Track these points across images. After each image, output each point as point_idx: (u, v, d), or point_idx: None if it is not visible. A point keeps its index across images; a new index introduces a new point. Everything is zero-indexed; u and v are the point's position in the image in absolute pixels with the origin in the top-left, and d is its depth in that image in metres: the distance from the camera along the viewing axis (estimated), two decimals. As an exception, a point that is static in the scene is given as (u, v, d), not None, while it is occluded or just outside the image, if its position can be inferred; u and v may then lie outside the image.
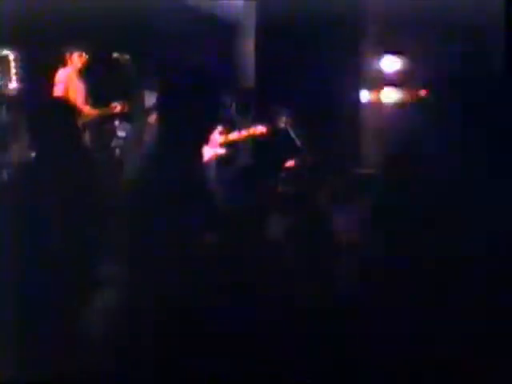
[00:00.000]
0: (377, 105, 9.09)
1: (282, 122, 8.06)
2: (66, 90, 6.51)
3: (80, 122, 6.36)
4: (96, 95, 6.69)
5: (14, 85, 6.84)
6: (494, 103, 3.01)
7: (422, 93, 8.55)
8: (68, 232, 2.76)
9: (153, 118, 7.83)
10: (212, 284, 2.26)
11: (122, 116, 6.89)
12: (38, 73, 6.64)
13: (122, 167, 6.81)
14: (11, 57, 6.85)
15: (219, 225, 2.70)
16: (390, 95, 9.03)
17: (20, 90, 6.71)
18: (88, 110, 6.57)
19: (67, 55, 6.61)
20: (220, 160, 7.53)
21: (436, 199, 2.79)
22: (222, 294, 2.25)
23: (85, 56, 6.62)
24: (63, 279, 2.57)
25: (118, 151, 6.98)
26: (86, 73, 6.65)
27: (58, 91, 6.46)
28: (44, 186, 2.84)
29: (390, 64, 9.01)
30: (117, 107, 6.71)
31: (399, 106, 8.85)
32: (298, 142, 8.12)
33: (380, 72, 9.06)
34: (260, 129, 7.64)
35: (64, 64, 6.63)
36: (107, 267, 2.58)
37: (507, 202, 2.65)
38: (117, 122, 6.90)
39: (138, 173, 2.84)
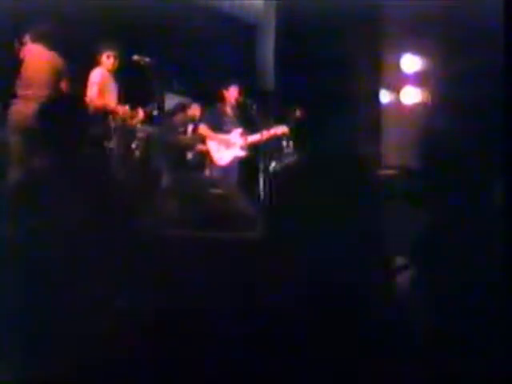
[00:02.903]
0: (397, 105, 9.06)
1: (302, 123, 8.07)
2: (101, 91, 6.45)
3: (113, 124, 6.43)
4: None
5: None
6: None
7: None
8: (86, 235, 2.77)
9: (176, 119, 7.92)
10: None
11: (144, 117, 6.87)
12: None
13: (143, 168, 6.85)
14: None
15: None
16: (411, 95, 8.99)
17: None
18: (122, 110, 6.56)
19: (98, 55, 6.56)
20: (241, 162, 7.56)
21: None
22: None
23: (116, 56, 6.57)
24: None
25: (137, 152, 6.99)
26: (116, 73, 6.63)
27: (92, 92, 6.39)
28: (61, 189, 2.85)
29: (411, 64, 8.97)
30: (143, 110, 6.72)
31: (420, 106, 8.81)
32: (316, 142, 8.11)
33: (401, 72, 9.02)
34: (280, 129, 7.57)
35: (96, 64, 6.57)
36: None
37: None
38: (138, 124, 6.88)
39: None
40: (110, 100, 6.47)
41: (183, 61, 8.32)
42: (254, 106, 7.49)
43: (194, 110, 7.92)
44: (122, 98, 6.58)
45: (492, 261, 2.54)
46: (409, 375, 2.12)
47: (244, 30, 9.44)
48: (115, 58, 6.54)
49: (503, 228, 2.59)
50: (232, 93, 7.50)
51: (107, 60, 6.54)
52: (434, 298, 2.47)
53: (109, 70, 6.55)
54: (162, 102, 7.31)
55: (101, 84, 6.43)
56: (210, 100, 7.65)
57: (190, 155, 7.86)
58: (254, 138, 7.47)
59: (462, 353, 2.26)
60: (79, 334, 2.31)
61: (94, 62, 6.55)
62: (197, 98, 8.02)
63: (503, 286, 2.44)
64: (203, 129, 7.49)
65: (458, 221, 2.62)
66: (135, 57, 6.64)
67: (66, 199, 2.75)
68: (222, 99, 7.54)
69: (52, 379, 2.27)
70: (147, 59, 6.63)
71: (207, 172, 7.51)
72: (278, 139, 7.70)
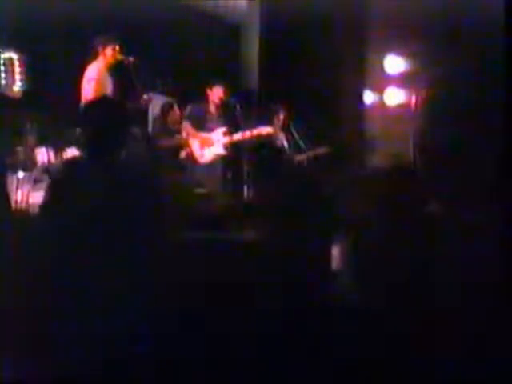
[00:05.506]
0: (380, 106, 9.10)
1: (285, 123, 8.11)
2: (98, 86, 6.35)
3: None
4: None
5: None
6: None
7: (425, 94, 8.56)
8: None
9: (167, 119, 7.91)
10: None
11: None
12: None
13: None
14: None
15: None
16: (394, 96, 9.03)
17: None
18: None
19: (99, 49, 6.48)
20: (223, 160, 7.56)
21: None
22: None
23: (117, 49, 6.49)
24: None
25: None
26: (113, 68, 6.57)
27: (89, 88, 6.32)
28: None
29: (394, 65, 9.01)
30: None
31: (402, 107, 8.85)
32: (301, 143, 8.17)
33: (384, 73, 9.06)
34: (264, 129, 7.58)
35: (94, 58, 6.49)
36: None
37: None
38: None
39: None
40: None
41: (167, 60, 8.31)
42: (238, 106, 7.49)
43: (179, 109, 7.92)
44: (117, 94, 6.52)
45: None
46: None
47: (228, 30, 9.45)
48: (119, 51, 6.49)
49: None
50: (216, 92, 7.49)
51: (112, 52, 6.49)
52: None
53: (109, 64, 6.49)
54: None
55: (98, 80, 6.38)
56: (194, 99, 7.64)
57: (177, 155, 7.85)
58: (238, 136, 7.48)
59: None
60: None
61: (91, 57, 6.50)
62: (181, 97, 8.00)
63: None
64: (186, 127, 7.49)
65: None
66: (118, 56, 6.61)
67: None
68: (206, 98, 7.53)
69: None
70: (131, 58, 6.60)
71: (190, 171, 7.50)
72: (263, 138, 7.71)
